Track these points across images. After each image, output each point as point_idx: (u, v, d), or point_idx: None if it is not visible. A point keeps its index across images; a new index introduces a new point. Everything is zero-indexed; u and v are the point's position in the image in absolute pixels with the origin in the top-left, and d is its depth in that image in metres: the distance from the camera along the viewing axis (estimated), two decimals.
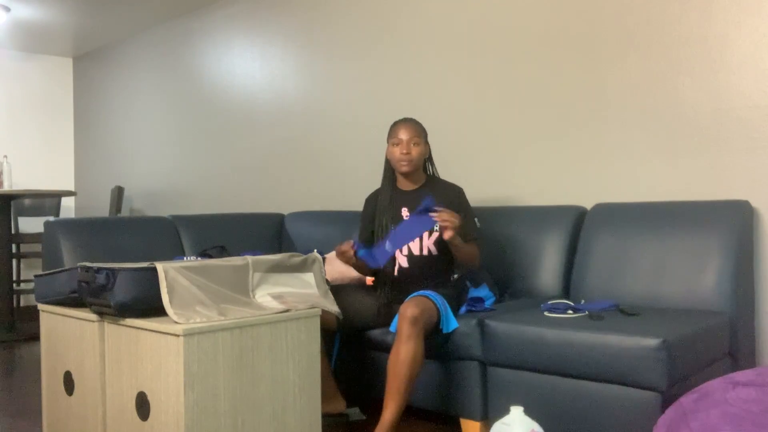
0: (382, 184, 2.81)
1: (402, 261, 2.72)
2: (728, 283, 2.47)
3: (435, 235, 2.68)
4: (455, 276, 2.76)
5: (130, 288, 2.02)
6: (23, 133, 6.38)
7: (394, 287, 2.70)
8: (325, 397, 2.68)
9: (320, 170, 4.33)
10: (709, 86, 2.75)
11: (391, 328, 2.45)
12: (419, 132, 2.70)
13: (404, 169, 2.69)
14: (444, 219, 2.40)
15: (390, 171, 2.79)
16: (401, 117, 2.82)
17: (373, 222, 2.79)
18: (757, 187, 2.64)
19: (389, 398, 2.32)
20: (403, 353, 2.32)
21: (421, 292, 2.50)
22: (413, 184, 2.76)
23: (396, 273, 2.72)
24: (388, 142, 2.73)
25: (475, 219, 2.73)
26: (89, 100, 6.52)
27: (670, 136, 2.86)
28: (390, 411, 2.32)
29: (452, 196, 2.73)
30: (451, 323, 2.47)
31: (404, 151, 2.66)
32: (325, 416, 2.66)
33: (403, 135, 2.67)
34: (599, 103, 3.06)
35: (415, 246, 2.69)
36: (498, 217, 3.12)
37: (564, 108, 3.17)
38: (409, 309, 2.36)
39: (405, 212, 2.73)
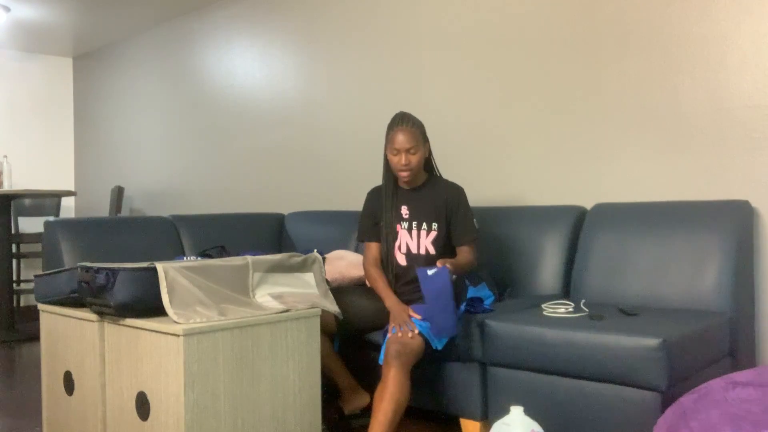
0: (383, 183, 2.80)
1: (401, 259, 2.72)
2: (728, 283, 2.47)
3: (433, 234, 2.69)
4: (453, 277, 2.75)
5: (130, 288, 2.02)
6: (23, 133, 6.38)
7: (396, 285, 2.72)
8: (348, 394, 2.69)
9: (320, 170, 4.33)
10: (709, 86, 2.75)
11: (380, 361, 2.40)
12: (416, 137, 2.62)
13: (405, 178, 2.67)
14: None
15: (390, 170, 2.77)
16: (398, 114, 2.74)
17: (373, 218, 2.80)
18: (757, 187, 2.64)
19: (376, 427, 2.25)
20: (389, 389, 2.27)
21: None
22: (414, 183, 2.76)
23: (396, 270, 2.73)
24: (386, 145, 2.68)
25: (474, 220, 2.73)
26: (89, 100, 6.52)
27: (670, 136, 2.86)
28: None
29: (452, 197, 2.72)
30: (442, 340, 2.44)
31: (403, 163, 2.61)
32: (351, 417, 2.66)
33: (401, 145, 2.60)
34: (599, 103, 3.06)
35: (413, 245, 2.70)
36: (498, 217, 3.12)
37: (564, 108, 3.17)
38: (393, 346, 2.32)
39: (405, 210, 2.73)
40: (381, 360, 2.39)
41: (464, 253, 2.68)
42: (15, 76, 6.36)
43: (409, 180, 2.68)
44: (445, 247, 2.70)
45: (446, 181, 2.80)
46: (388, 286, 2.68)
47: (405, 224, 2.72)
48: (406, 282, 2.71)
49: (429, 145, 2.74)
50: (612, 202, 2.95)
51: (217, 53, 5.07)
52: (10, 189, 5.02)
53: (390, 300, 2.60)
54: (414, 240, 2.70)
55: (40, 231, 4.77)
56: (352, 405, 2.69)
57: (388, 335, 2.41)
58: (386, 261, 2.74)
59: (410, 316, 2.45)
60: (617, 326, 2.18)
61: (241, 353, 2.03)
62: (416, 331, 2.39)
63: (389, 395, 2.25)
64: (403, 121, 2.65)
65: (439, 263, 2.39)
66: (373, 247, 2.77)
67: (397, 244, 2.73)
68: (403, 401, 2.28)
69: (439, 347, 2.43)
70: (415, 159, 2.63)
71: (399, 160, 2.62)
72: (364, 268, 2.80)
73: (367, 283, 2.91)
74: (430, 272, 2.34)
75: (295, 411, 2.18)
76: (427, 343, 2.42)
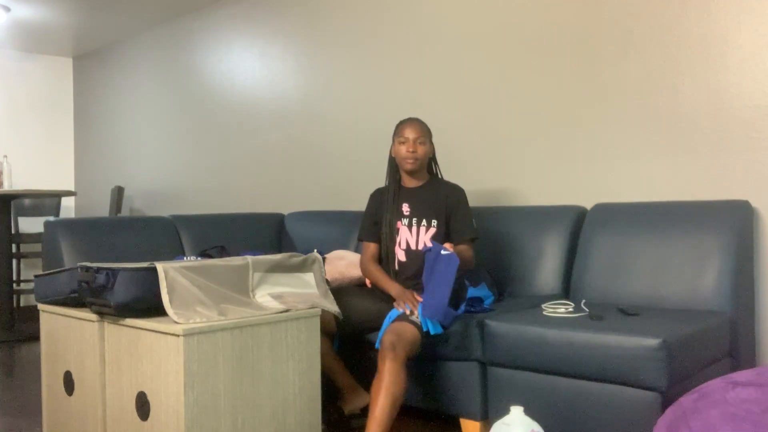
0: (387, 181, 2.84)
1: (400, 255, 2.75)
2: (728, 283, 2.47)
3: (432, 230, 2.71)
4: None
5: (130, 288, 2.02)
6: (23, 133, 6.38)
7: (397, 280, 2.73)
8: (348, 394, 2.69)
9: (320, 170, 4.33)
10: (709, 86, 2.76)
11: (376, 345, 2.42)
12: (425, 131, 2.75)
13: (410, 167, 2.72)
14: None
15: (394, 168, 2.83)
16: (403, 117, 2.85)
17: (374, 218, 2.83)
18: (757, 187, 2.64)
19: (372, 423, 2.23)
20: (384, 382, 2.26)
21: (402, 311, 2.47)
22: (417, 182, 2.80)
23: (396, 267, 2.75)
24: (393, 140, 2.77)
25: (473, 220, 2.74)
26: (89, 100, 6.52)
27: (670, 136, 2.86)
28: None
29: (452, 196, 2.75)
30: (437, 328, 2.43)
31: (410, 150, 2.69)
32: (351, 417, 2.66)
33: (410, 134, 2.71)
34: (599, 103, 3.06)
35: (412, 241, 2.73)
36: (498, 217, 3.13)
37: (564, 108, 3.17)
38: (388, 336, 2.33)
39: (406, 208, 2.75)
40: (378, 344, 2.40)
41: (463, 252, 2.68)
42: (15, 76, 6.36)
43: (414, 169, 2.73)
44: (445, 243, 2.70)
45: (447, 182, 2.84)
46: (389, 277, 2.72)
47: (405, 221, 2.75)
48: (405, 278, 2.72)
49: (434, 148, 2.83)
50: (612, 202, 2.95)
51: (217, 53, 5.07)
52: (10, 189, 5.02)
53: (394, 288, 2.64)
54: (414, 236, 2.73)
55: (40, 231, 4.77)
56: (352, 405, 2.69)
57: (395, 312, 2.44)
58: (387, 258, 2.76)
59: (416, 300, 2.49)
60: (617, 326, 2.18)
61: (241, 353, 2.03)
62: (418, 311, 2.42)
63: (385, 388, 2.25)
64: (411, 118, 2.80)
65: (447, 245, 2.41)
66: (371, 247, 2.82)
67: (397, 240, 2.75)
68: (400, 393, 2.27)
69: (432, 331, 2.40)
70: (421, 149, 2.72)
71: (407, 148, 2.70)
72: (362, 266, 2.83)
73: (366, 282, 2.92)
74: (443, 252, 2.35)
75: (295, 411, 2.18)
76: (425, 342, 2.42)
